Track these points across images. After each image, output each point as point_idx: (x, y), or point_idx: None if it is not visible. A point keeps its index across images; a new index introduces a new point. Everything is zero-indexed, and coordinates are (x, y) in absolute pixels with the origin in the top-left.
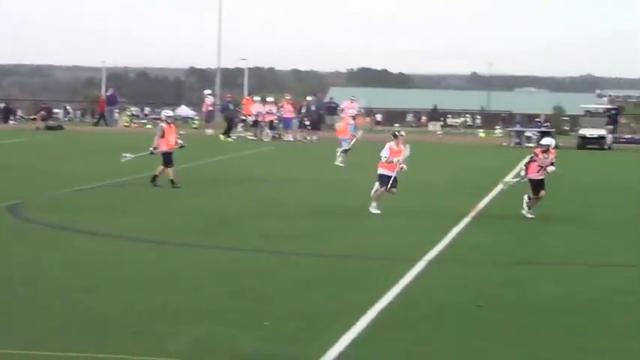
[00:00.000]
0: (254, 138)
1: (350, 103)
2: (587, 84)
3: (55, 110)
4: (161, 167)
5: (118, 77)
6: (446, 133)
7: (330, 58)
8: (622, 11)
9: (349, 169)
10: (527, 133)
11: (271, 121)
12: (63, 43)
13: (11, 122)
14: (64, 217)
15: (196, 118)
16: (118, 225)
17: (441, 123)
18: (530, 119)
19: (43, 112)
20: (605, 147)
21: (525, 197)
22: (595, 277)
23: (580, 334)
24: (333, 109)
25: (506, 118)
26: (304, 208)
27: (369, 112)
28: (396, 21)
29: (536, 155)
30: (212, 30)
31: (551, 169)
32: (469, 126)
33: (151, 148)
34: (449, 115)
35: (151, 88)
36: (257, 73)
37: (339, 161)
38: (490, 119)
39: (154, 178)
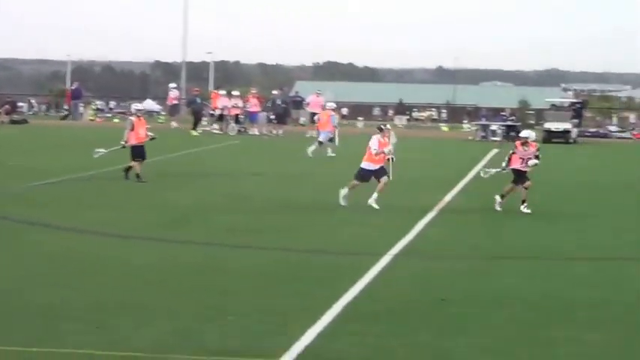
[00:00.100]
0: (220, 132)
1: (316, 97)
2: (552, 78)
3: (20, 104)
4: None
5: (83, 71)
6: (411, 126)
7: (296, 51)
8: (587, 6)
9: (317, 163)
10: (493, 127)
11: (237, 115)
12: (27, 36)
13: None
14: (29, 211)
15: (162, 112)
16: (83, 219)
17: (407, 117)
18: (495, 113)
19: (7, 106)
20: (571, 141)
21: (497, 197)
22: (560, 270)
23: (544, 328)
24: (298, 103)
25: (472, 112)
26: (270, 203)
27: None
28: (361, 15)
29: (516, 148)
30: (177, 23)
31: (532, 162)
32: (435, 120)
33: (123, 142)
34: (415, 109)
35: (117, 82)
36: (223, 66)
37: (309, 151)
38: (456, 113)
39: (127, 170)
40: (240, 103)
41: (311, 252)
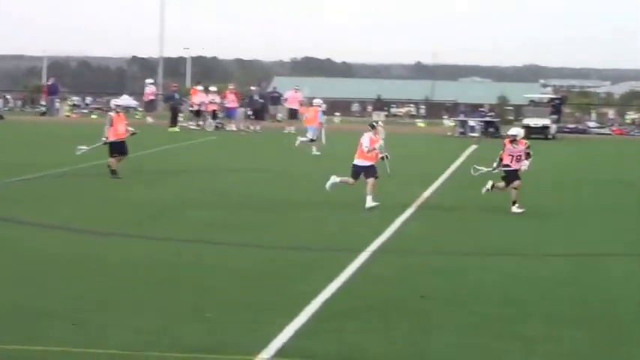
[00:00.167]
0: (197, 128)
1: (294, 92)
2: (531, 74)
3: None
4: (118, 157)
5: (59, 66)
6: (389, 123)
7: (274, 47)
8: (567, 3)
9: (293, 160)
10: (471, 123)
11: (214, 111)
12: (2, 31)
13: None
14: (4, 207)
15: (139, 108)
16: (59, 216)
17: (385, 113)
18: (474, 109)
19: None
20: (549, 137)
21: (487, 186)
22: (537, 267)
23: (523, 325)
24: (276, 99)
25: (451, 108)
26: (248, 199)
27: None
28: (339, 11)
29: (505, 146)
30: (154, 19)
31: (525, 167)
32: (413, 116)
33: (104, 139)
34: (393, 105)
35: (93, 78)
36: (200, 62)
37: (314, 151)
38: (434, 109)
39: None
40: (217, 99)
41: (289, 248)
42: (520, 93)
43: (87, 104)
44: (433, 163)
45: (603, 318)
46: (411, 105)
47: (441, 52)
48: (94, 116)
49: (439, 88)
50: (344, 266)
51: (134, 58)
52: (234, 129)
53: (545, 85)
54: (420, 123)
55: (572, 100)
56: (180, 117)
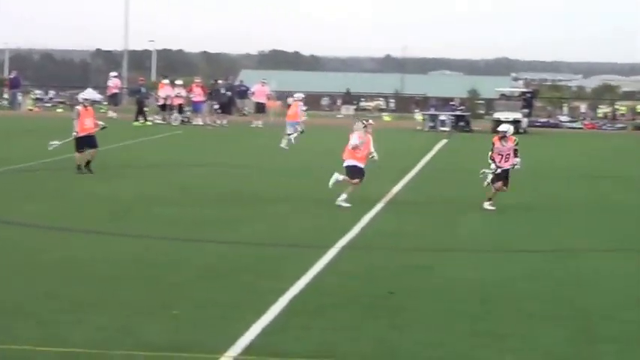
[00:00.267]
0: (163, 122)
1: (261, 86)
2: (502, 67)
3: None
4: (91, 151)
5: (21, 59)
6: (359, 117)
7: (241, 40)
8: None
9: (261, 154)
10: (442, 117)
11: (180, 105)
12: None
13: None
14: None
15: (104, 102)
16: (22, 212)
17: (355, 107)
18: (444, 103)
19: None
20: (521, 131)
21: (487, 179)
22: (506, 263)
23: (492, 322)
24: (243, 93)
25: (421, 102)
26: (215, 194)
27: (281, 95)
28: (307, 2)
29: (494, 144)
30: (119, 11)
31: (517, 164)
32: (383, 110)
33: (74, 133)
34: (362, 99)
35: (57, 71)
36: (165, 55)
37: (292, 140)
38: (404, 103)
39: (87, 164)
40: (183, 93)
41: (257, 245)
42: (491, 87)
43: (50, 98)
44: (403, 158)
45: (576, 314)
46: (381, 99)
47: (411, 45)
48: (59, 110)
49: (409, 82)
50: (312, 263)
51: (98, 50)
52: (201, 123)
53: (516, 79)
54: (387, 117)
55: (543, 94)
56: (146, 110)
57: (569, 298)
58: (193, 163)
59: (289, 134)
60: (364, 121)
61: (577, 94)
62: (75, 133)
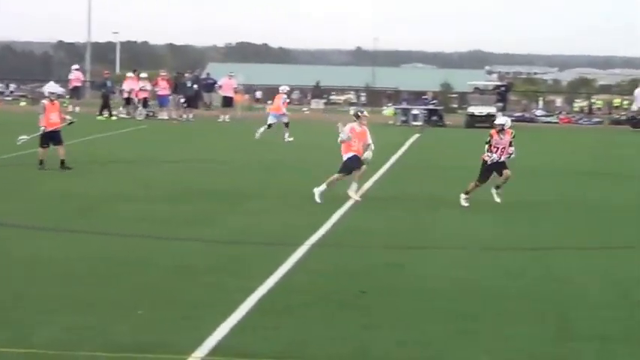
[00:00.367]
0: (127, 116)
1: (228, 79)
2: (476, 60)
3: None
4: (59, 149)
5: None
6: (328, 111)
7: (208, 32)
8: None
9: (228, 149)
10: (414, 111)
11: (145, 99)
12: None
13: None
14: None
15: (67, 96)
16: None
17: (324, 100)
18: (417, 96)
19: None
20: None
21: (493, 190)
22: (484, 261)
23: (466, 320)
24: (210, 86)
25: (393, 96)
26: (182, 191)
27: (249, 88)
28: None
29: (491, 137)
30: (81, 1)
31: (512, 154)
32: (354, 104)
33: (42, 128)
34: (332, 92)
35: (17, 64)
36: (130, 47)
37: (258, 135)
38: (375, 96)
39: (62, 163)
40: (148, 86)
41: (225, 242)
42: (464, 80)
43: (11, 92)
44: (374, 153)
45: (552, 313)
46: (351, 92)
47: (383, 37)
48: (22, 103)
49: (380, 75)
50: (282, 261)
51: (60, 43)
52: (166, 117)
53: (490, 72)
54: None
55: (518, 88)
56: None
57: (547, 297)
58: (159, 158)
59: (269, 125)
60: (359, 113)
61: (552, 87)
62: (43, 128)
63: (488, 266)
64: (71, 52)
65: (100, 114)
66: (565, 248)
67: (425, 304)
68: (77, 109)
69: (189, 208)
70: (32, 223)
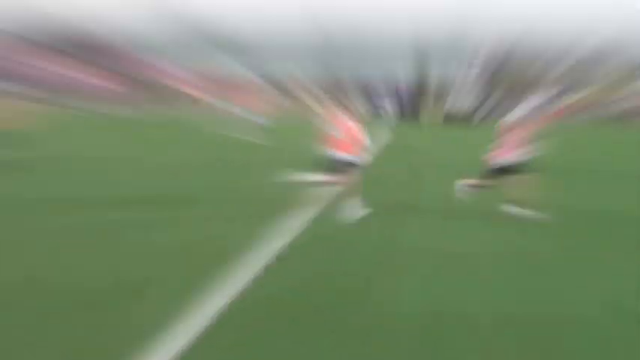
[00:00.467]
0: None
1: None
2: None
3: None
4: None
5: None
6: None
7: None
8: None
9: (174, 149)
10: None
11: None
12: None
13: None
14: None
15: None
16: None
17: None
18: None
19: None
20: None
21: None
22: (453, 272)
23: (435, 336)
24: None
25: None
26: (121, 196)
27: None
28: None
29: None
30: None
31: None
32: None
33: None
34: None
35: None
36: None
37: None
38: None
39: None
40: None
41: (172, 253)
42: None
43: None
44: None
45: (527, 324)
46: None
47: None
48: None
49: None
50: (234, 272)
51: None
52: None
53: None
54: None
55: None
56: None
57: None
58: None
59: None
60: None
61: None
62: None
63: (460, 277)
64: None
65: None
66: (534, 253)
67: (390, 319)
68: None
69: (130, 215)
70: None
